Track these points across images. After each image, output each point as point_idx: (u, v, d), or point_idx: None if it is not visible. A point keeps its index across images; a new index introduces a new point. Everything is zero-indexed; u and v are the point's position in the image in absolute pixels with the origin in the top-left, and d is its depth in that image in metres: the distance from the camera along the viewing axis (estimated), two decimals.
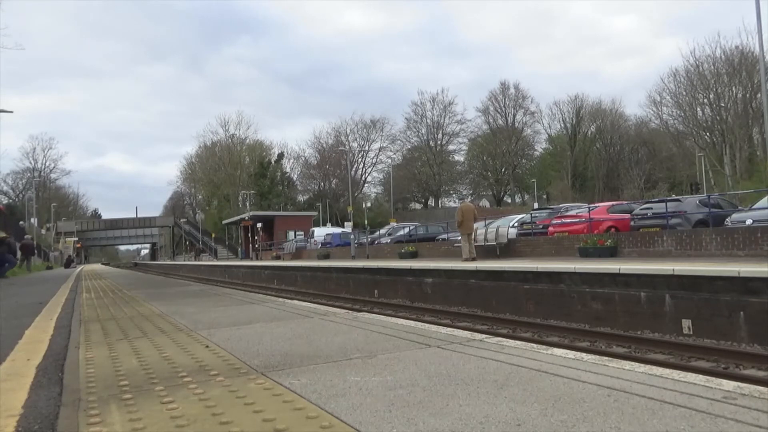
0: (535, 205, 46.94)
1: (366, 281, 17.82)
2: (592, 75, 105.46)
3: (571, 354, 2.75)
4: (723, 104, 53.68)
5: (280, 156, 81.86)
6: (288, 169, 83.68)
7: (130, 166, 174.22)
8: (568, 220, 17.78)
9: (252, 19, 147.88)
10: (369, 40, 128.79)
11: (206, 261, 56.89)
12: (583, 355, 2.73)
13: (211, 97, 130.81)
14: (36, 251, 35.47)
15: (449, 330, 3.65)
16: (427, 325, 4.11)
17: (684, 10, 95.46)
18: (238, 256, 58.93)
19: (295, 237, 46.76)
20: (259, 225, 48.73)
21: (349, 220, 38.66)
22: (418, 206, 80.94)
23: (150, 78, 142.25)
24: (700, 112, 57.16)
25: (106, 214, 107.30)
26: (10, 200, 70.13)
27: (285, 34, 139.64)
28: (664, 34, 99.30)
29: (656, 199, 20.55)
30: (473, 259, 15.06)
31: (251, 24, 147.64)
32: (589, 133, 74.43)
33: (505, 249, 17.26)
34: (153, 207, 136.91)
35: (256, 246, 50.60)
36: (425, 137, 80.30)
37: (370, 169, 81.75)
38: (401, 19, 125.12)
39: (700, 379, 2.15)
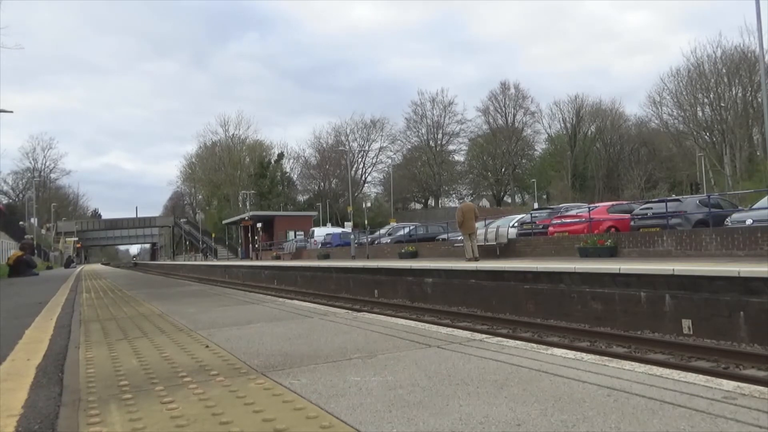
0: (535, 205, 46.91)
1: (366, 281, 17.81)
2: (602, 72, 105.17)
3: (571, 354, 2.75)
4: (723, 104, 53.69)
5: (280, 156, 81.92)
6: (288, 169, 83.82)
7: (132, 165, 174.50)
8: (568, 220, 17.78)
9: (259, 15, 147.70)
10: (377, 36, 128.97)
11: (206, 261, 56.90)
12: (583, 355, 2.73)
13: (215, 94, 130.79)
14: (36, 251, 35.47)
15: (449, 330, 3.66)
16: (427, 325, 4.12)
17: (697, 7, 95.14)
18: (238, 256, 58.94)
19: (295, 237, 46.77)
20: (259, 225, 48.74)
21: (349, 220, 38.63)
22: (418, 206, 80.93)
23: (153, 75, 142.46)
24: (700, 112, 57.19)
25: (107, 214, 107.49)
26: (10, 200, 70.12)
27: (292, 31, 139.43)
28: (678, 31, 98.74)
29: (656, 199, 20.54)
30: (476, 259, 15.05)
31: (258, 20, 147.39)
32: (589, 133, 74.40)
33: (505, 249, 17.26)
34: (153, 207, 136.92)
35: (256, 246, 50.61)
36: (425, 137, 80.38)
37: (370, 169, 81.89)
38: (411, 15, 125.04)
39: (700, 379, 2.15)
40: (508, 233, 17.71)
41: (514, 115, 78.12)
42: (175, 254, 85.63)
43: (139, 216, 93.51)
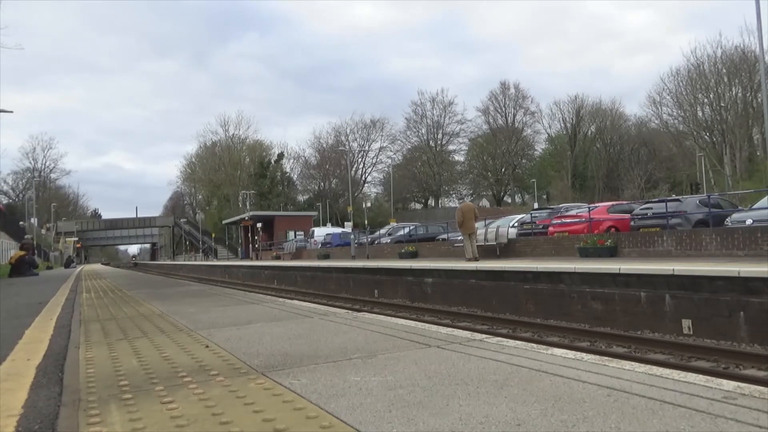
0: (535, 205, 46.92)
1: (366, 281, 17.81)
2: (602, 72, 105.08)
3: (571, 354, 2.75)
4: (723, 104, 53.69)
5: (280, 156, 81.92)
6: (288, 169, 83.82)
7: (132, 165, 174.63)
8: (568, 220, 17.77)
9: (259, 15, 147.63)
10: (377, 36, 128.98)
11: (206, 261, 56.90)
12: (583, 355, 2.73)
13: (216, 94, 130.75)
14: (36, 251, 35.48)
15: (449, 330, 3.66)
16: (427, 325, 4.12)
17: (697, 6, 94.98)
18: (238, 256, 58.95)
19: (295, 237, 46.77)
20: (259, 225, 48.74)
21: (349, 220, 38.63)
22: (418, 206, 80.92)
23: (154, 75, 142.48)
24: (700, 112, 57.18)
25: (107, 214, 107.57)
26: (10, 200, 70.11)
27: (292, 30, 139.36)
28: (679, 30, 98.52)
29: (656, 199, 20.54)
30: (476, 259, 15.05)
31: (259, 20, 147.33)
32: (589, 133, 74.39)
33: (505, 249, 17.26)
34: (153, 206, 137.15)
35: (256, 246, 50.61)
36: (425, 137, 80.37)
37: (370, 169, 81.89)
38: (411, 15, 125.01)
39: (700, 379, 2.15)
40: (508, 233, 17.71)
41: (514, 115, 78.22)
42: (175, 254, 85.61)
43: (139, 216, 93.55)
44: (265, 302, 6.39)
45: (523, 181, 76.90)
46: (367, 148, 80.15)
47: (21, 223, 49.72)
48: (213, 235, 70.79)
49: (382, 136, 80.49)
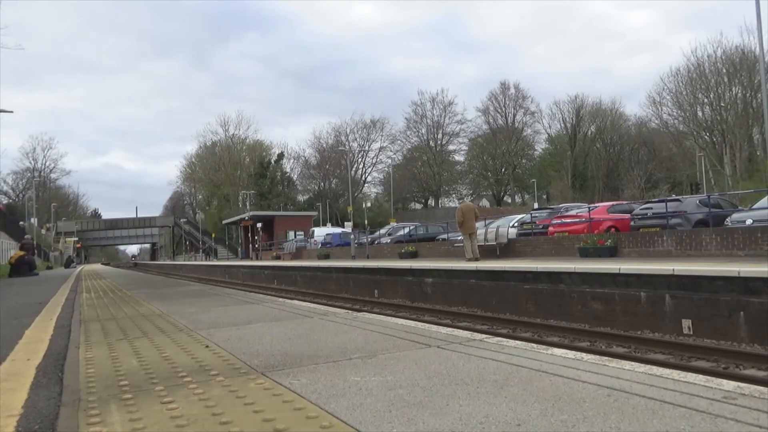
0: (535, 205, 46.92)
1: (366, 281, 17.81)
2: (603, 72, 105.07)
3: (571, 354, 2.75)
4: (723, 104, 53.67)
5: (280, 156, 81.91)
6: (288, 169, 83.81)
7: (132, 164, 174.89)
8: (568, 220, 17.77)
9: (260, 15, 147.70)
10: (377, 35, 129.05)
11: (206, 261, 56.90)
12: (583, 355, 2.73)
13: (216, 94, 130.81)
14: (36, 251, 35.47)
15: (449, 330, 3.66)
16: (427, 325, 4.11)
17: (698, 6, 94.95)
18: (238, 256, 58.95)
19: (295, 237, 46.78)
20: (259, 225, 48.74)
21: (349, 220, 38.64)
22: (418, 206, 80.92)
23: (154, 74, 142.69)
24: (700, 112, 57.17)
25: (107, 214, 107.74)
26: (10, 200, 70.10)
27: (293, 30, 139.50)
28: (679, 30, 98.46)
29: (656, 199, 20.54)
30: (476, 259, 15.05)
31: (259, 20, 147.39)
32: (589, 133, 74.38)
33: (505, 249, 17.26)
34: (153, 206, 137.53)
35: (256, 246, 50.61)
36: (425, 137, 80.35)
37: (370, 169, 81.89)
38: (412, 14, 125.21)
39: (700, 379, 2.15)
40: (508, 233, 17.71)
41: (514, 115, 78.19)
42: (175, 254, 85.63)
43: (139, 216, 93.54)
44: (265, 302, 6.39)
45: (523, 181, 76.89)
46: (367, 148, 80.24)
47: (21, 223, 49.70)
48: (213, 235, 70.80)
49: (382, 136, 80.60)
